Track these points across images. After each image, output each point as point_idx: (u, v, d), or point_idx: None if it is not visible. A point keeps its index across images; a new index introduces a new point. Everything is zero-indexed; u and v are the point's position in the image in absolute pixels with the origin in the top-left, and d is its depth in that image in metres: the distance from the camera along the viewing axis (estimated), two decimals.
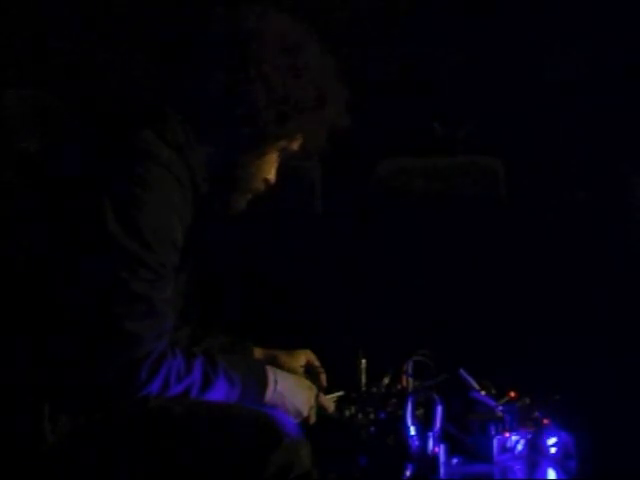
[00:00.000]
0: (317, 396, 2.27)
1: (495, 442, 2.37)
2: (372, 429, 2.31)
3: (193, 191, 2.09)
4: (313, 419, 2.25)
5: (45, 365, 1.97)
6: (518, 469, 2.36)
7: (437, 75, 4.45)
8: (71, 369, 1.95)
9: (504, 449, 2.38)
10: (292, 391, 2.20)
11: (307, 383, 2.30)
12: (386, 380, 2.40)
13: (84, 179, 2.00)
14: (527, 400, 2.43)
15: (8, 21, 4.11)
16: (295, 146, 2.23)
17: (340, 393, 2.41)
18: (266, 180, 2.22)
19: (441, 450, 2.26)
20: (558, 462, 2.36)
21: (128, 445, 1.99)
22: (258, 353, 2.44)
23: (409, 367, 2.38)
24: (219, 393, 2.06)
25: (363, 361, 2.42)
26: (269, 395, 2.15)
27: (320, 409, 2.29)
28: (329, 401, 2.35)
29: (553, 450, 2.38)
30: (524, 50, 4.40)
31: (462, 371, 2.44)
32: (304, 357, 2.46)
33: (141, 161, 2.00)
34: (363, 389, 2.40)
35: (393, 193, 4.19)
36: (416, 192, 4.21)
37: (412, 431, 2.26)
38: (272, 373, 2.17)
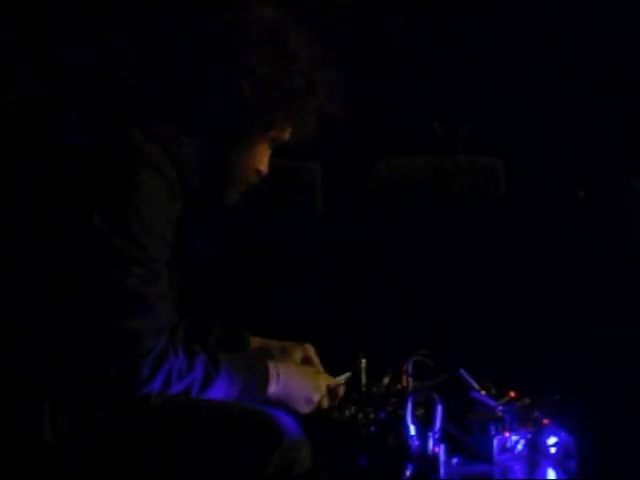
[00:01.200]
0: (325, 380, 2.27)
1: (495, 442, 2.36)
2: (372, 429, 2.30)
3: (182, 187, 2.08)
4: (325, 404, 2.24)
5: (44, 365, 1.97)
6: (518, 469, 2.35)
7: (437, 75, 4.45)
8: (71, 369, 1.95)
9: (504, 449, 2.38)
10: (298, 381, 2.20)
11: (312, 369, 2.29)
12: (386, 380, 2.40)
13: (70, 179, 1.99)
14: (527, 400, 2.43)
15: (8, 21, 4.11)
16: (285, 135, 2.22)
17: (348, 374, 2.39)
18: (258, 171, 2.21)
19: (441, 450, 2.26)
20: (558, 462, 2.36)
21: (128, 445, 1.99)
22: (255, 342, 2.42)
23: (409, 367, 2.38)
24: (219, 391, 2.06)
25: (363, 361, 2.41)
26: (272, 390, 2.14)
27: (331, 394, 2.28)
28: (338, 384, 2.34)
29: (553, 450, 2.38)
30: (524, 50, 4.39)
31: (462, 371, 2.44)
32: (300, 351, 2.43)
33: (126, 159, 1.99)
34: (363, 389, 2.40)
35: (393, 193, 4.19)
36: (416, 192, 4.21)
37: (412, 431, 2.26)
38: (274, 368, 2.16)
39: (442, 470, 2.25)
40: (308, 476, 2.04)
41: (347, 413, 2.34)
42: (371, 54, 4.51)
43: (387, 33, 4.55)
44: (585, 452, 2.35)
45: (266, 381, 2.14)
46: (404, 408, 2.28)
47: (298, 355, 2.41)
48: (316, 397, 2.22)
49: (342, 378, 2.38)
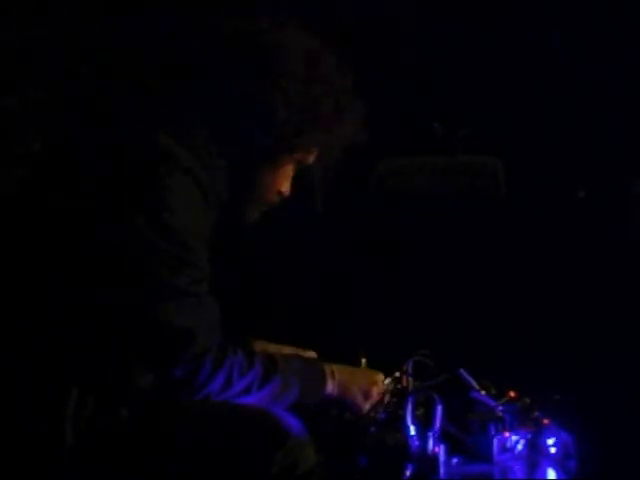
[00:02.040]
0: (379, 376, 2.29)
1: (495, 442, 2.37)
2: (372, 429, 2.30)
3: (214, 192, 2.09)
4: (376, 398, 2.26)
5: (84, 366, 1.96)
6: (518, 469, 2.36)
7: (437, 75, 4.45)
8: (123, 372, 1.95)
9: (504, 449, 2.38)
10: (353, 377, 2.24)
11: (361, 368, 2.33)
12: (386, 380, 2.40)
13: (104, 185, 1.99)
14: (527, 400, 2.43)
15: (8, 21, 4.11)
16: (311, 159, 2.24)
17: (390, 380, 2.39)
18: (280, 192, 2.23)
19: (441, 450, 2.26)
20: (558, 462, 2.36)
21: (133, 444, 1.99)
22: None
23: (409, 367, 2.38)
24: (275, 391, 2.07)
25: (363, 361, 2.41)
26: (330, 389, 2.17)
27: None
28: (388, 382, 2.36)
29: (553, 450, 2.38)
30: (524, 50, 4.39)
31: (462, 371, 2.44)
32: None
33: (163, 164, 1.99)
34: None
35: (393, 193, 4.19)
36: (416, 192, 4.21)
37: (412, 431, 2.26)
38: (328, 367, 2.19)
39: (442, 470, 2.25)
40: (311, 475, 2.04)
41: (347, 413, 2.34)
42: (371, 54, 4.51)
43: (385, 33, 4.55)
44: (585, 452, 2.35)
45: (323, 379, 2.16)
46: (404, 408, 2.28)
47: None
48: (374, 390, 2.24)
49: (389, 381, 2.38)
